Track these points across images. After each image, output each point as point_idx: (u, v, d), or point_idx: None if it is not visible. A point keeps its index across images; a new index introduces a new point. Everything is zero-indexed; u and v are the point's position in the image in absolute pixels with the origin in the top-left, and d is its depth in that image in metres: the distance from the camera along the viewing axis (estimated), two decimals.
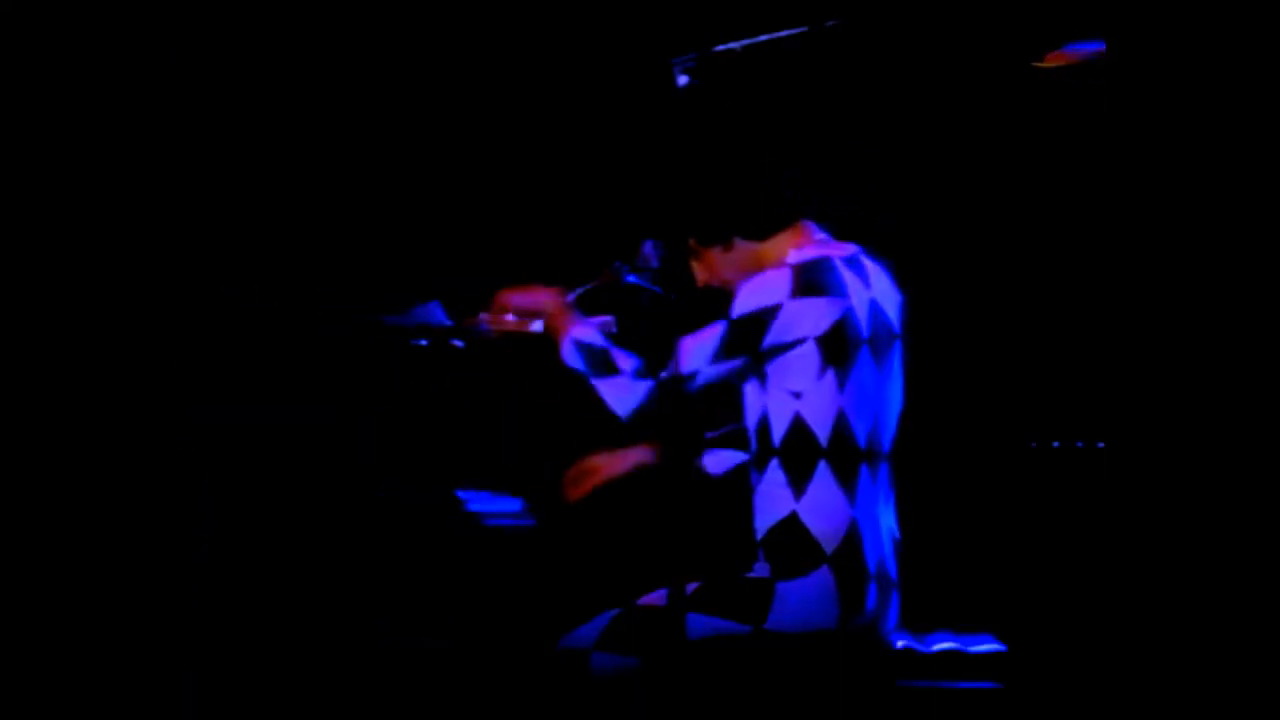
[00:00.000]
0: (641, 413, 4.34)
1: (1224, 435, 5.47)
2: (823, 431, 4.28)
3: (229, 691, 5.05)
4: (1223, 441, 5.46)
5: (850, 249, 4.42)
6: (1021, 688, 4.43)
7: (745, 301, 4.29)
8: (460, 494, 4.53)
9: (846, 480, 4.29)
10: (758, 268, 4.38)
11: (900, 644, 4.33)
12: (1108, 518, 5.36)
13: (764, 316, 4.28)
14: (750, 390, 4.33)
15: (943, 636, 4.41)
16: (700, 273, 4.46)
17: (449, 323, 4.71)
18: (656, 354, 4.69)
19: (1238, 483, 5.43)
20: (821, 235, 4.44)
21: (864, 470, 4.32)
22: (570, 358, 4.39)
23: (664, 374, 4.32)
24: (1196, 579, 5.41)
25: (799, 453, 4.28)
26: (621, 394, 4.34)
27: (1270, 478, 5.41)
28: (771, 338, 4.28)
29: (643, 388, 4.33)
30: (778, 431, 4.29)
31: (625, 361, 4.37)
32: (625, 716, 4.29)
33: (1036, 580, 5.29)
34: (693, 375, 4.30)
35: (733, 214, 4.40)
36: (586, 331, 4.41)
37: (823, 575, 4.26)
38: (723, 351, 4.29)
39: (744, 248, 4.42)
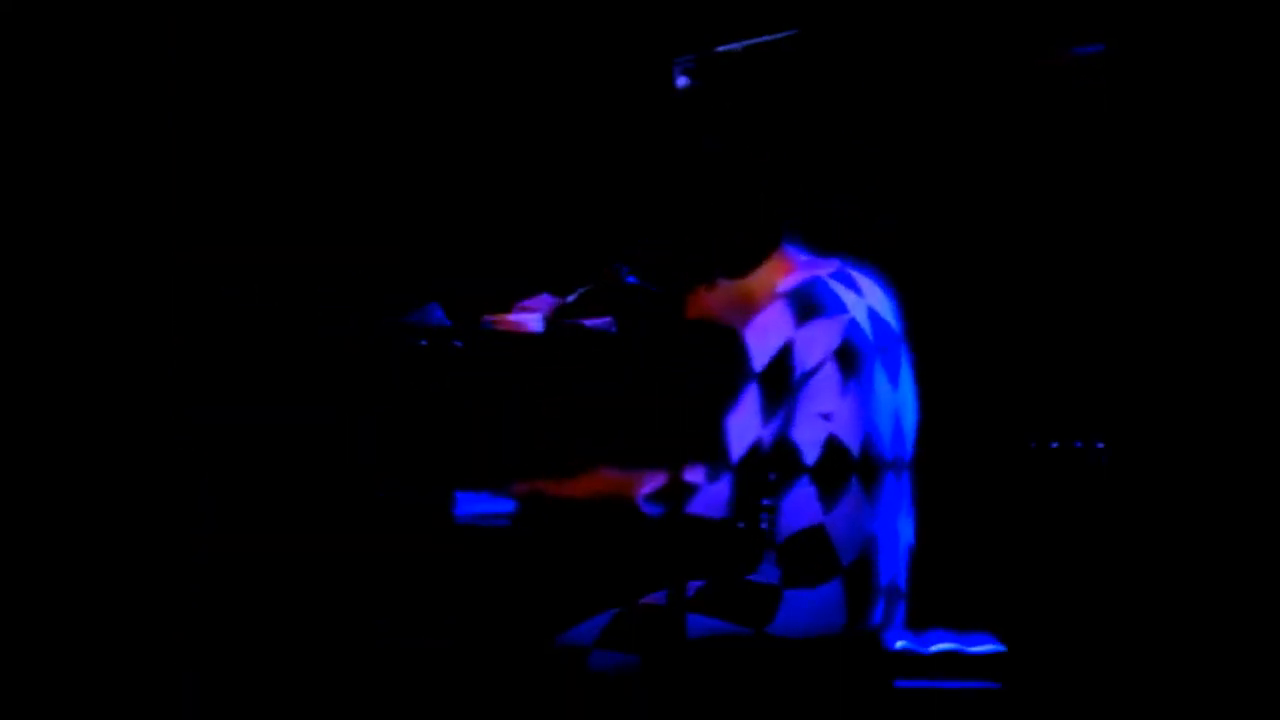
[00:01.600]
0: (742, 501, 4.32)
1: (1223, 435, 5.46)
2: (855, 446, 4.27)
3: (229, 691, 5.05)
4: (1222, 441, 5.46)
5: (833, 264, 4.41)
6: (1021, 688, 4.43)
7: (760, 351, 4.28)
8: (459, 494, 4.53)
9: (873, 493, 4.29)
10: (747, 301, 4.37)
11: (899, 644, 4.33)
12: (1107, 518, 5.36)
13: (784, 357, 4.27)
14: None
15: (942, 636, 4.40)
16: (691, 311, 4.46)
17: (449, 323, 4.71)
18: (657, 354, 4.69)
19: (1237, 482, 5.43)
20: (804, 257, 4.43)
21: (889, 480, 4.32)
22: (653, 512, 4.39)
23: (735, 460, 4.30)
24: (1196, 578, 5.41)
25: (833, 471, 4.26)
26: (714, 503, 4.33)
27: (1270, 478, 5.40)
28: (797, 371, 4.27)
29: (725, 485, 4.32)
30: (810, 455, 4.27)
31: (694, 473, 4.35)
32: (625, 716, 4.29)
33: (1036, 580, 5.29)
34: (758, 443, 4.29)
35: (709, 253, 4.39)
36: (648, 484, 4.41)
37: (834, 588, 4.25)
38: (768, 409, 4.28)
39: (726, 285, 4.41)
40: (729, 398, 4.31)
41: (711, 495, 4.31)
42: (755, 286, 4.40)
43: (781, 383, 4.27)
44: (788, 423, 4.27)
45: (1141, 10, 5.55)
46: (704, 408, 4.36)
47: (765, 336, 4.29)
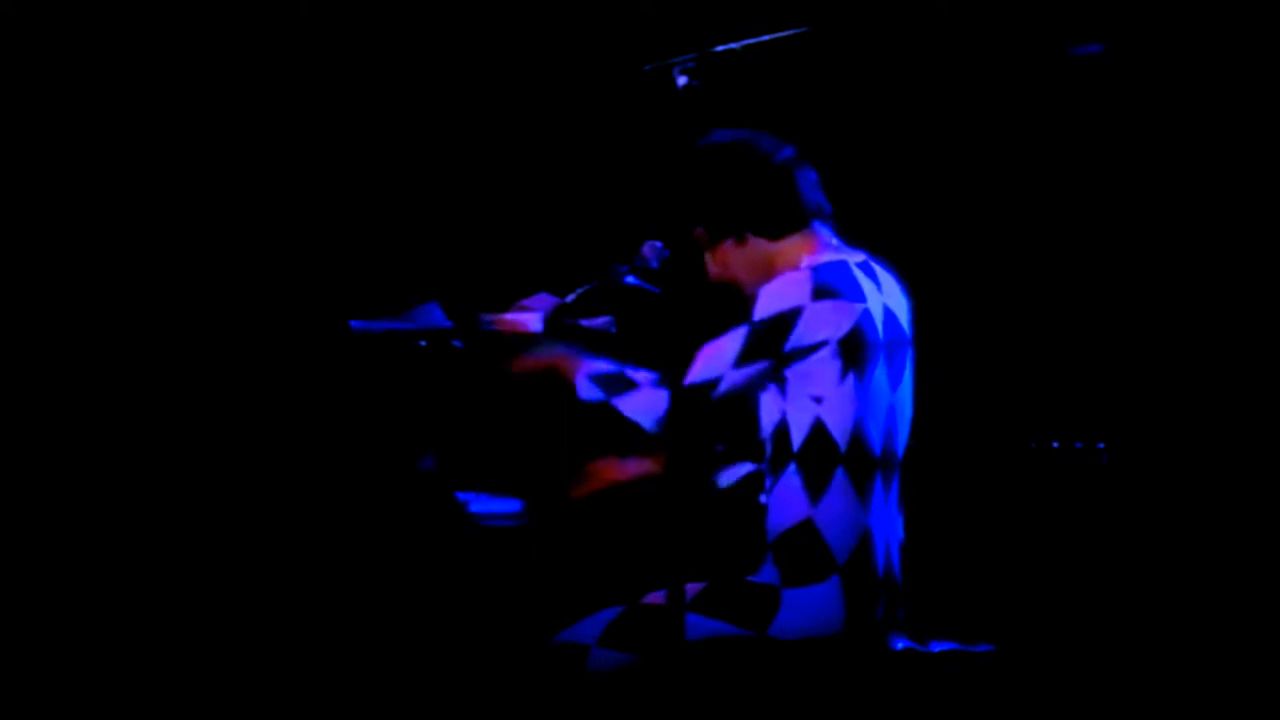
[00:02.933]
0: (668, 421, 4.30)
1: (1223, 435, 5.47)
2: (842, 438, 4.26)
3: (229, 691, 5.05)
4: (1222, 441, 5.46)
5: (861, 255, 4.41)
6: (1021, 688, 4.43)
7: (766, 305, 4.26)
8: (460, 494, 4.53)
9: (862, 488, 4.27)
10: (769, 270, 4.36)
11: (900, 646, 4.33)
12: (1107, 518, 5.36)
13: (786, 319, 4.26)
14: (767, 397, 4.31)
15: (942, 637, 4.41)
16: (713, 267, 4.44)
17: (449, 323, 4.71)
18: (656, 354, 4.69)
19: (1237, 483, 5.44)
20: (835, 241, 4.43)
21: (878, 478, 4.31)
22: (587, 392, 4.37)
23: (686, 381, 4.27)
24: (1196, 579, 5.42)
25: (818, 458, 4.25)
26: (645, 405, 4.31)
27: (1270, 478, 5.41)
28: (794, 341, 4.25)
29: (665, 396, 4.30)
30: (797, 437, 4.27)
31: (641, 376, 4.34)
32: (624, 715, 4.29)
33: (1035, 580, 5.29)
34: (716, 380, 4.27)
35: (745, 210, 4.39)
36: (595, 364, 4.40)
37: (832, 585, 4.24)
38: (745, 356, 4.26)
39: (756, 246, 4.40)
40: (702, 327, 4.30)
41: (647, 399, 4.30)
42: (781, 256, 4.39)
43: (771, 340, 4.25)
44: (783, 393, 4.26)
45: (1141, 10, 5.55)
46: (689, 332, 4.32)
47: (777, 296, 4.27)
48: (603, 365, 4.39)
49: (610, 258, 4.70)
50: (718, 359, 4.27)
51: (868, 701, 4.29)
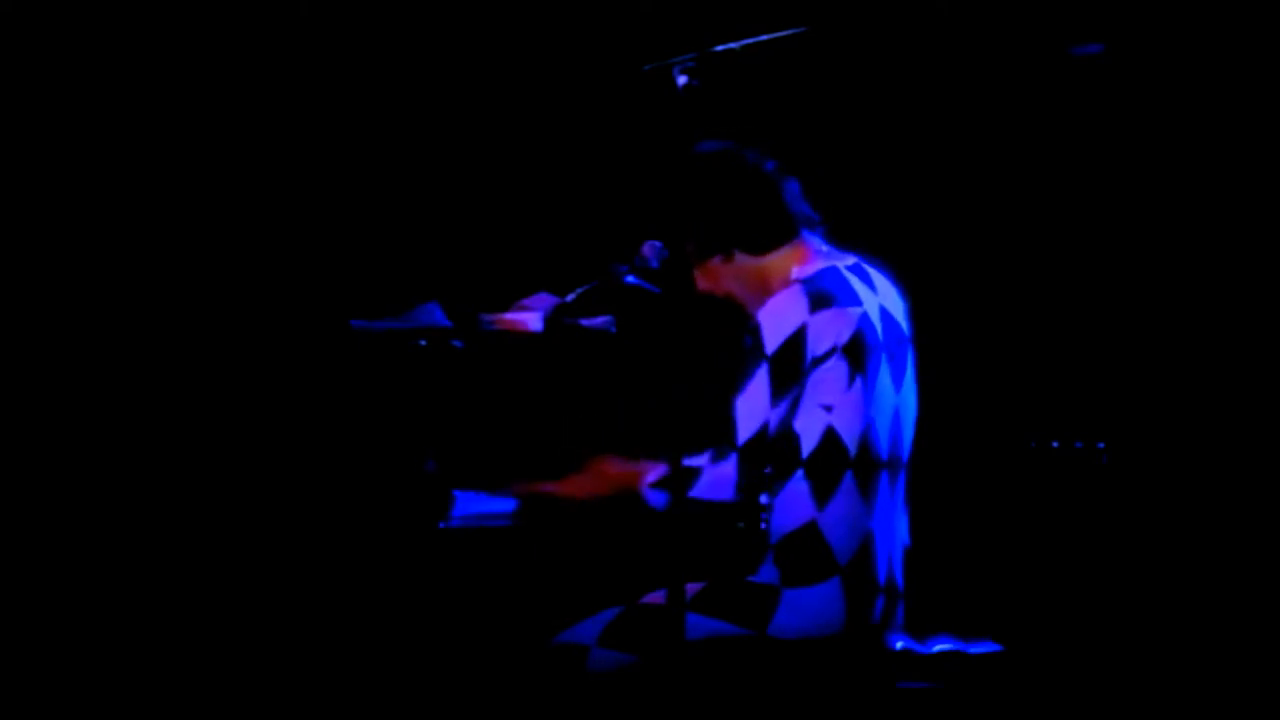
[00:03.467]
0: (747, 483, 4.30)
1: (1223, 435, 5.47)
2: (852, 443, 4.26)
3: (229, 691, 5.05)
4: (1222, 441, 5.46)
5: (851, 258, 4.41)
6: (1021, 688, 4.43)
7: (773, 334, 4.27)
8: (459, 494, 4.53)
9: (868, 491, 4.28)
10: (761, 283, 4.36)
11: (900, 645, 4.33)
12: (1107, 518, 5.36)
13: (796, 340, 4.26)
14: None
15: (942, 637, 4.40)
16: (702, 282, 4.45)
17: (449, 323, 4.71)
18: (655, 355, 4.69)
19: (1237, 483, 5.44)
20: (824, 248, 4.43)
21: (884, 479, 4.31)
22: (657, 500, 4.37)
23: (740, 441, 4.28)
24: (1196, 579, 5.42)
25: (828, 466, 4.25)
26: (715, 482, 4.31)
27: (1270, 478, 5.41)
28: (809, 356, 4.26)
29: (729, 466, 4.30)
30: (807, 445, 4.26)
31: (699, 458, 4.32)
32: (624, 715, 4.29)
33: (1035, 580, 5.29)
34: (765, 425, 4.27)
35: (731, 228, 4.39)
36: (651, 471, 4.38)
37: (832, 586, 4.24)
38: (777, 391, 4.27)
39: (744, 261, 4.41)
40: (739, 379, 4.30)
41: (716, 476, 4.30)
42: (771, 269, 4.39)
43: (792, 367, 4.26)
44: (794, 408, 4.27)
45: (1141, 10, 5.55)
46: (712, 388, 4.34)
47: (779, 320, 4.27)
48: (659, 470, 4.37)
49: (610, 258, 4.70)
50: (757, 406, 4.28)
51: (867, 701, 4.29)
